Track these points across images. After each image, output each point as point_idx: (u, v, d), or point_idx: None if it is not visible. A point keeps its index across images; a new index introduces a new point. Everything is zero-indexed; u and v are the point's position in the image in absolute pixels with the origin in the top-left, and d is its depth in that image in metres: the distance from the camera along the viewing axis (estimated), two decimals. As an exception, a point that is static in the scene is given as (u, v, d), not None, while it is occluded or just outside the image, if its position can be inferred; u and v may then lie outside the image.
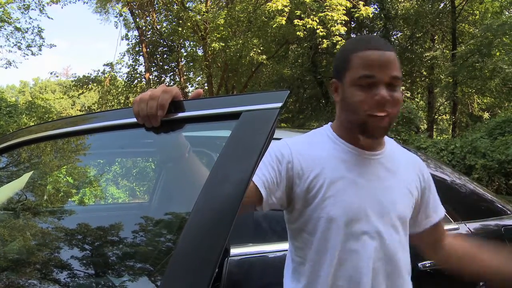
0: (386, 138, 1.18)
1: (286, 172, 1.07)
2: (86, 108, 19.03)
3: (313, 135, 1.19)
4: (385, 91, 1.02)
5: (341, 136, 1.13)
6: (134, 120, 0.92)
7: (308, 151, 1.11)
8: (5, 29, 15.10)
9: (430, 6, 15.82)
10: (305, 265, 1.11)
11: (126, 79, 18.02)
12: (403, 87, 15.08)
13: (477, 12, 16.02)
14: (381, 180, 1.10)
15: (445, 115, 19.94)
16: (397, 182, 1.12)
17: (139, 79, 18.07)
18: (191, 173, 0.98)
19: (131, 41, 17.87)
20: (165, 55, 18.01)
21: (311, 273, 1.09)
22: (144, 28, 17.25)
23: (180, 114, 0.91)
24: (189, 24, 14.98)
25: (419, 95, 18.79)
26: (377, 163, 1.12)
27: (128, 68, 17.95)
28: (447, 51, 16.13)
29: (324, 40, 11.99)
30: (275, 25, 12.04)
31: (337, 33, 11.62)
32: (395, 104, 1.04)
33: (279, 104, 0.85)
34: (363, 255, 1.06)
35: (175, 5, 15.85)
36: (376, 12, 15.78)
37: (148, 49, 17.37)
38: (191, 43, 17.10)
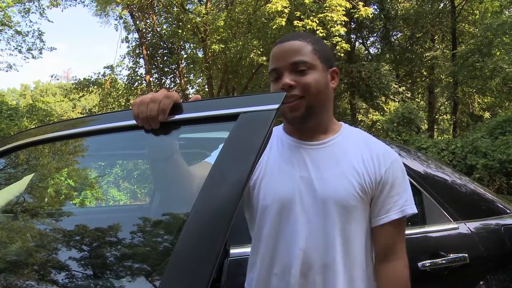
0: (346, 127, 1.18)
1: None
2: (87, 110, 19.05)
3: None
4: (288, 78, 1.06)
5: (286, 130, 1.19)
6: (133, 122, 0.93)
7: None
8: (5, 32, 15.15)
9: (430, 6, 15.82)
10: (250, 253, 1.18)
11: (126, 81, 18.05)
12: (404, 87, 15.08)
13: (477, 11, 16.02)
14: (318, 169, 1.09)
15: (446, 115, 19.92)
16: (340, 170, 1.08)
17: (139, 81, 18.09)
18: (178, 174, 1.00)
19: (131, 44, 17.91)
20: (165, 57, 18.03)
21: (252, 259, 1.16)
22: (144, 30, 17.27)
23: (179, 116, 0.92)
24: (189, 26, 15.01)
25: (420, 95, 18.79)
26: (318, 152, 1.12)
27: (128, 70, 18.00)
28: (447, 51, 16.14)
29: (324, 41, 11.98)
30: (275, 26, 12.04)
31: (337, 34, 11.63)
32: (306, 87, 1.06)
33: (276, 106, 0.86)
34: (294, 243, 1.07)
35: (175, 7, 15.89)
36: (376, 12, 15.78)
37: (148, 52, 17.39)
38: (191, 45, 17.14)
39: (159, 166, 1.09)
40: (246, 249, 1.62)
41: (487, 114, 17.27)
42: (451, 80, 14.68)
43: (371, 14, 12.80)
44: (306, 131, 1.13)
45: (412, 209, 1.11)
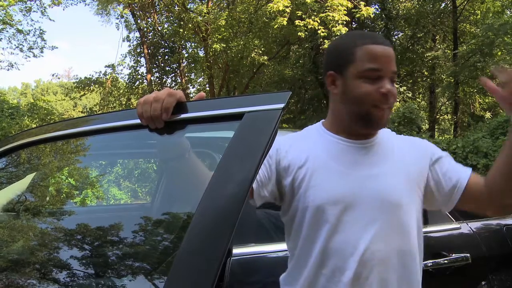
0: None
1: (275, 166, 1.11)
2: (88, 109, 19.05)
3: (304, 131, 1.22)
4: (389, 85, 1.06)
5: (331, 130, 1.15)
6: (137, 121, 0.93)
7: (295, 144, 1.14)
8: (7, 31, 15.16)
9: (431, 6, 15.80)
10: (295, 255, 1.13)
11: (127, 80, 18.07)
12: (404, 87, 15.08)
13: (479, 11, 16.00)
14: (369, 168, 1.09)
15: (447, 115, 19.90)
16: (390, 168, 1.10)
17: (140, 81, 18.10)
18: (191, 173, 1.00)
19: (133, 43, 17.93)
20: (166, 57, 18.03)
21: (298, 261, 1.12)
22: (145, 29, 17.28)
23: (184, 115, 0.92)
24: (190, 25, 15.01)
25: (421, 95, 18.77)
26: (365, 151, 1.11)
27: (129, 69, 18.02)
28: (449, 51, 16.12)
29: (326, 40, 11.99)
30: (276, 25, 12.05)
31: (338, 34, 11.61)
32: (395, 97, 1.08)
33: (281, 105, 0.86)
34: (350, 243, 1.05)
35: (176, 6, 15.88)
36: (377, 12, 15.76)
37: (149, 51, 17.40)
38: (193, 44, 17.15)
39: (171, 166, 1.09)
40: (249, 249, 1.63)
41: (488, 114, 17.24)
42: (452, 80, 14.66)
43: (372, 13, 12.79)
44: (357, 131, 1.12)
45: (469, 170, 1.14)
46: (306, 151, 1.11)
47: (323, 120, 1.22)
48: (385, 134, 1.18)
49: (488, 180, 1.10)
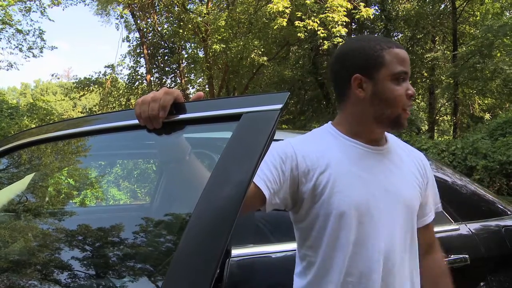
0: (386, 133, 1.20)
1: (290, 171, 1.08)
2: (87, 110, 19.04)
3: (315, 133, 1.20)
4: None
5: (346, 133, 1.15)
6: (136, 121, 0.93)
7: (311, 149, 1.11)
8: (6, 31, 15.16)
9: (430, 7, 15.82)
10: (316, 262, 1.11)
11: (127, 80, 18.06)
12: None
13: (478, 13, 16.01)
14: (387, 173, 1.12)
15: (446, 116, 19.90)
16: (404, 175, 1.14)
17: (140, 81, 18.10)
18: (192, 175, 0.99)
19: (132, 43, 17.94)
20: (166, 57, 18.03)
21: (322, 270, 1.09)
22: (145, 30, 17.29)
23: (182, 116, 0.92)
24: (190, 26, 15.01)
25: (420, 96, 18.75)
26: (382, 157, 1.13)
27: (129, 70, 18.03)
28: (448, 52, 16.12)
29: (325, 41, 12.00)
30: (276, 26, 12.04)
31: (338, 35, 11.62)
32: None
33: (280, 106, 0.86)
34: (374, 248, 1.06)
35: (176, 7, 15.88)
36: (377, 13, 15.78)
37: (149, 51, 17.40)
38: (192, 44, 17.14)
39: (171, 168, 1.09)
40: (247, 250, 1.63)
41: (487, 116, 17.26)
42: (452, 81, 14.66)
43: (372, 15, 12.80)
44: (375, 135, 1.15)
45: (440, 206, 1.27)
46: (325, 155, 1.10)
47: (331, 121, 1.21)
48: (391, 139, 1.21)
49: (427, 271, 1.22)
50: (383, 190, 1.09)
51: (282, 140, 1.16)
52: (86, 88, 17.13)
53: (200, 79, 19.49)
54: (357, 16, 12.24)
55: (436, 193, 1.25)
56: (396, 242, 1.09)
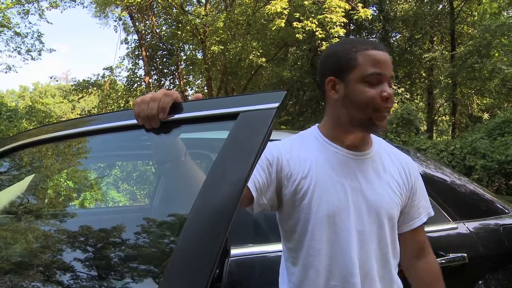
0: (374, 137, 1.21)
1: (276, 173, 1.10)
2: (86, 112, 19.06)
3: (302, 136, 1.21)
4: (389, 89, 1.08)
5: (328, 136, 1.16)
6: (134, 121, 0.94)
7: (296, 153, 1.13)
8: (4, 34, 15.17)
9: (428, 7, 15.85)
10: (297, 265, 1.13)
11: (125, 83, 18.07)
12: (403, 89, 15.11)
13: (476, 13, 16.05)
14: (367, 180, 1.12)
15: (445, 116, 19.94)
16: (384, 182, 1.14)
17: (138, 83, 18.11)
18: (187, 176, 1.00)
19: (131, 45, 17.94)
20: (164, 59, 18.05)
21: (303, 273, 1.12)
22: (143, 32, 17.29)
23: (179, 116, 0.92)
24: (188, 27, 15.03)
25: (419, 96, 18.80)
26: (363, 163, 1.14)
27: (127, 72, 18.02)
28: (446, 52, 16.15)
29: (323, 42, 12.03)
30: (274, 27, 12.06)
31: (336, 35, 11.64)
32: (393, 101, 1.10)
33: (276, 104, 0.86)
34: (352, 255, 1.08)
35: (174, 8, 15.90)
36: (375, 14, 15.81)
37: (147, 53, 17.41)
38: (191, 46, 17.16)
39: (167, 168, 1.09)
40: (246, 250, 1.63)
41: (486, 115, 17.27)
42: (450, 81, 14.69)
43: (370, 15, 12.83)
44: (356, 140, 1.14)
45: (432, 210, 1.26)
46: (308, 160, 1.12)
47: (318, 124, 1.22)
48: (377, 145, 1.20)
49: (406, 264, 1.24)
50: (363, 197, 1.10)
51: (280, 140, 1.17)
52: (84, 91, 17.14)
53: (199, 81, 19.49)
54: (355, 17, 12.28)
55: (426, 198, 1.25)
56: (375, 248, 1.11)
